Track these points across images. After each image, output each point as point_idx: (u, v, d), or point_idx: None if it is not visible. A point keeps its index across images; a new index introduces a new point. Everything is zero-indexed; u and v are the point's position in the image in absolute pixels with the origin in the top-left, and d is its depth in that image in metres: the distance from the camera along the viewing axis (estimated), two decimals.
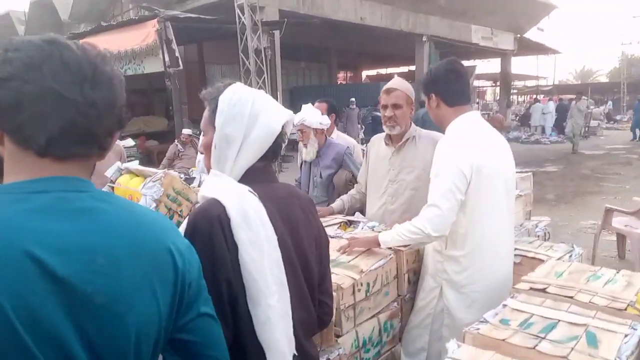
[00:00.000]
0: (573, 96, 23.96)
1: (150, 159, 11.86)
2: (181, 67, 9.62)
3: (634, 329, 1.47)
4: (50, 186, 0.77)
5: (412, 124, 2.56)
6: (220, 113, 1.17)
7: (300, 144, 3.29)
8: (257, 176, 1.20)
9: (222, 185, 1.13)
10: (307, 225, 1.26)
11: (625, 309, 1.60)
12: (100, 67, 0.81)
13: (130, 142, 11.40)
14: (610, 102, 30.49)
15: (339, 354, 1.73)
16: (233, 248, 1.06)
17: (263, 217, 1.10)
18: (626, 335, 1.44)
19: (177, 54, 9.35)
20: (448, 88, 2.05)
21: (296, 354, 1.13)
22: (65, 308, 0.72)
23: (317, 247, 1.27)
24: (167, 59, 9.22)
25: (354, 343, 1.86)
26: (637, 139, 16.65)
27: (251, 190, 1.13)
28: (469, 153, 1.93)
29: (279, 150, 1.25)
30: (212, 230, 1.06)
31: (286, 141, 1.29)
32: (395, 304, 2.10)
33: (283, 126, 1.25)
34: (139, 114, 16.07)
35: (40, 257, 0.70)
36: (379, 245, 2.03)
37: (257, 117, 1.16)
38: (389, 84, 2.51)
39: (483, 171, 1.93)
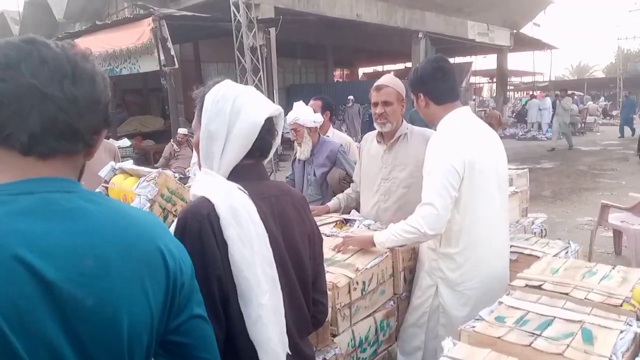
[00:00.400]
0: (569, 92, 24.06)
1: (146, 158, 11.83)
2: (177, 65, 9.60)
3: (630, 324, 1.47)
4: (36, 187, 0.76)
5: (404, 121, 2.55)
6: (205, 111, 1.18)
7: (295, 142, 3.28)
8: (246, 174, 1.19)
9: (211, 183, 1.13)
10: (300, 222, 1.25)
11: (621, 305, 1.60)
12: (81, 64, 0.81)
13: (126, 142, 11.38)
14: (602, 98, 30.49)
15: (335, 354, 1.73)
16: (223, 246, 1.06)
17: (253, 214, 1.09)
18: (622, 332, 1.43)
19: (172, 52, 9.34)
20: (436, 87, 2.04)
21: (290, 353, 1.13)
22: (56, 311, 0.71)
23: (310, 245, 1.27)
24: (162, 57, 9.20)
25: (351, 342, 1.85)
26: (633, 135, 16.66)
27: (241, 187, 1.12)
28: (461, 149, 1.92)
29: (268, 147, 1.24)
30: (201, 229, 1.06)
31: (276, 139, 1.27)
32: (392, 302, 2.09)
33: (274, 123, 1.24)
34: (135, 113, 16.05)
35: (29, 260, 0.69)
36: (374, 245, 2.02)
37: (239, 113, 1.16)
38: (379, 81, 2.50)
39: (475, 167, 1.93)
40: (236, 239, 1.05)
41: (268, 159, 1.31)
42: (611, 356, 1.32)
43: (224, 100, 1.17)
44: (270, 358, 1.07)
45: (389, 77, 2.54)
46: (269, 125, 1.21)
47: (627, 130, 16.82)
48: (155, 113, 16.68)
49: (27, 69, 0.75)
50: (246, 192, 1.12)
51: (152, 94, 16.83)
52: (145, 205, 2.21)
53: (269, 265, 1.09)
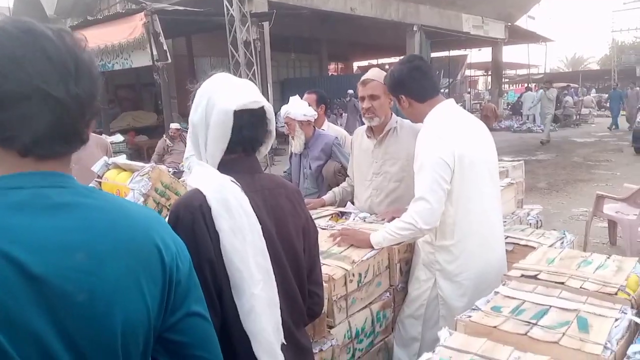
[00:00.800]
0: (565, 84, 24.12)
1: (140, 154, 11.78)
2: (170, 60, 9.55)
3: (624, 312, 1.48)
4: (28, 182, 0.74)
5: (393, 114, 2.54)
6: (193, 104, 1.20)
7: (290, 136, 3.28)
8: (237, 167, 1.19)
9: (205, 175, 1.13)
10: (294, 215, 1.25)
11: (616, 294, 1.61)
12: (80, 57, 0.78)
13: (119, 137, 11.30)
14: (593, 90, 30.56)
15: (331, 345, 1.73)
16: (215, 237, 1.06)
17: (246, 206, 1.09)
18: (617, 320, 1.44)
19: (165, 47, 9.28)
20: (416, 86, 2.05)
21: (285, 343, 1.13)
22: (44, 306, 0.69)
23: (304, 237, 1.26)
24: (155, 52, 9.14)
25: (347, 334, 1.85)
26: (616, 128, 16.75)
27: (233, 180, 1.12)
28: (450, 142, 1.92)
29: (249, 141, 1.21)
30: (194, 220, 1.07)
31: (265, 134, 1.25)
32: (388, 294, 2.09)
33: (263, 117, 1.22)
34: (128, 109, 15.96)
35: (15, 256, 0.68)
36: (371, 246, 2.00)
37: (215, 104, 1.16)
38: (365, 75, 2.49)
39: (465, 159, 1.93)
40: (228, 230, 1.05)
41: (263, 153, 1.29)
42: (606, 343, 1.32)
43: (205, 92, 1.18)
44: (264, 348, 1.07)
45: (376, 71, 2.52)
46: (251, 119, 1.19)
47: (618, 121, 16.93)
48: (148, 108, 16.59)
49: (32, 68, 0.72)
50: (238, 184, 1.12)
51: (144, 89, 16.74)
52: (139, 200, 2.19)
53: (262, 256, 1.09)
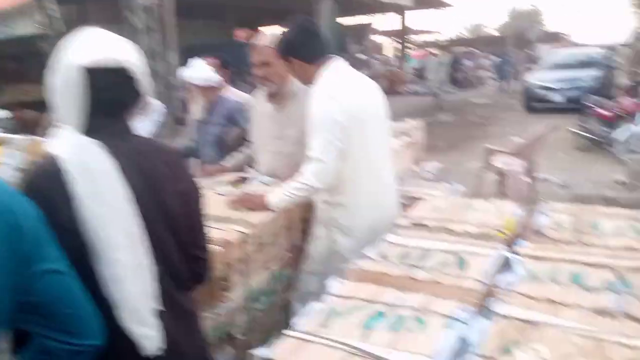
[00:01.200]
0: (466, 49, 25.45)
1: (28, 129, 10.72)
2: (60, 28, 8.68)
3: (499, 250, 1.62)
4: None
5: (292, 78, 2.50)
6: None
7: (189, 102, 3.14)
8: (104, 130, 1.10)
9: (63, 139, 1.06)
10: (173, 178, 1.19)
11: (494, 235, 1.75)
12: None
13: (2, 112, 10.17)
14: (491, 55, 32.69)
15: (229, 307, 1.72)
16: (71, 202, 1.00)
17: (109, 169, 1.03)
18: (492, 257, 1.57)
19: (53, 14, 8.40)
20: (306, 48, 2.07)
21: (164, 309, 1.09)
22: None
23: (185, 201, 1.22)
24: (41, 19, 8.26)
25: (246, 295, 1.85)
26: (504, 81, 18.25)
27: (98, 142, 1.05)
28: (341, 101, 1.95)
29: (115, 103, 1.14)
30: (48, 187, 1.01)
31: (136, 94, 1.17)
32: (289, 253, 2.11)
33: (133, 79, 1.13)
34: (13, 81, 14.39)
35: None
36: (269, 208, 1.99)
37: (63, 61, 1.08)
38: (256, 40, 2.41)
39: (356, 116, 1.97)
40: (84, 195, 1.00)
41: (136, 116, 1.21)
42: (481, 278, 1.44)
43: (61, 50, 1.09)
44: (131, 316, 1.03)
45: (269, 35, 2.43)
46: (109, 78, 1.10)
47: (509, 85, 18.33)
48: (37, 80, 15.09)
49: None
50: (105, 147, 1.05)
51: (32, 59, 15.17)
52: (15, 176, 2.00)
53: (126, 220, 1.04)
